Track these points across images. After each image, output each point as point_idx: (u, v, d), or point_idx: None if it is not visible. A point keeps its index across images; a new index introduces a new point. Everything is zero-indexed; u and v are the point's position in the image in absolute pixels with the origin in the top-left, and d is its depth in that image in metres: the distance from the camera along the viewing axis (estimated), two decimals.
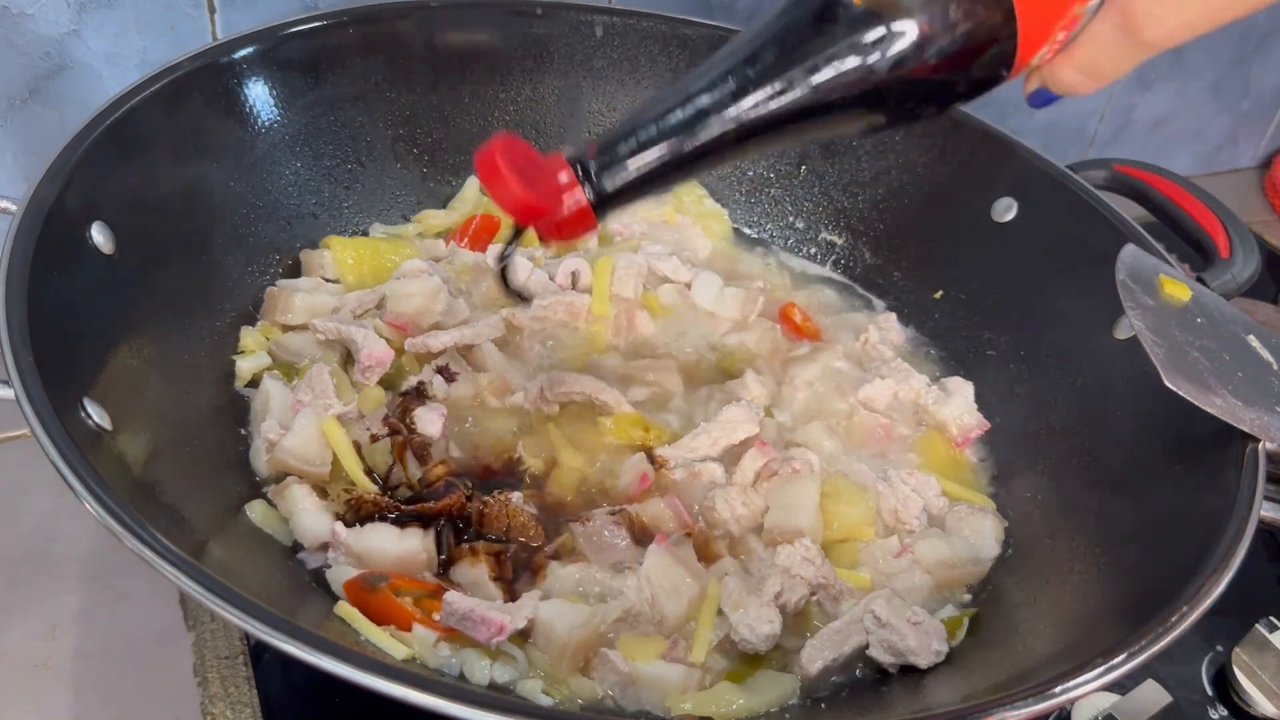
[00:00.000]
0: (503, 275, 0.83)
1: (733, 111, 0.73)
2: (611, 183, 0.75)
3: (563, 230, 0.76)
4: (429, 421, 1.04)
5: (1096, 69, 0.79)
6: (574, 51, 1.34)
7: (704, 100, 0.74)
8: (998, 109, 1.72)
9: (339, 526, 0.93)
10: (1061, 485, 1.09)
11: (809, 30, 0.73)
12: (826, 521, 1.03)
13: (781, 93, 0.73)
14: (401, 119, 1.29)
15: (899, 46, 0.72)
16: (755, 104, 0.73)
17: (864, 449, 1.15)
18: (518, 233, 0.80)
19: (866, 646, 0.93)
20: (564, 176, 0.75)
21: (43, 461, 0.72)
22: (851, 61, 0.73)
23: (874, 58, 0.73)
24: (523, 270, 1.23)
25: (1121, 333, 1.10)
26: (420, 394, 1.07)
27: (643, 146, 0.74)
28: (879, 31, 0.72)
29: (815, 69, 0.73)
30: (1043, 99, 0.84)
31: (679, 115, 0.74)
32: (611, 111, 1.38)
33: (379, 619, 0.86)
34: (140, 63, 1.22)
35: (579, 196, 0.75)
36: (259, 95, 1.16)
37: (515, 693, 0.85)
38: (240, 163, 1.14)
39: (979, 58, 0.76)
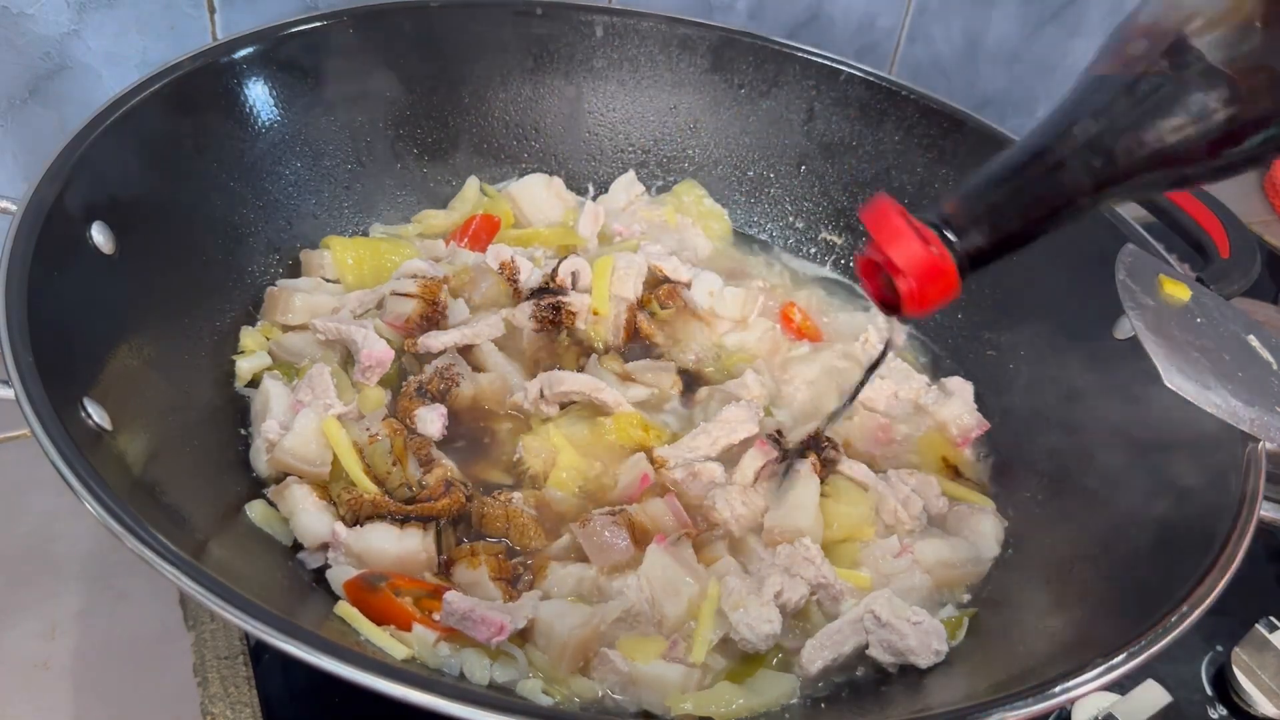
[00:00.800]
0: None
1: (1086, 171, 0.73)
2: (977, 247, 0.74)
3: (926, 299, 0.74)
4: (429, 421, 1.04)
5: None
6: (574, 51, 1.34)
7: (1059, 162, 0.73)
8: (998, 109, 1.73)
9: (339, 526, 0.93)
10: (1061, 485, 1.09)
11: (1144, 100, 0.71)
12: (826, 521, 1.03)
13: (1123, 157, 0.72)
14: (401, 119, 1.29)
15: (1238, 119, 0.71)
16: (1104, 171, 0.72)
17: (864, 449, 1.15)
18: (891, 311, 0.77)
19: (866, 646, 0.93)
20: (934, 247, 0.73)
21: (43, 461, 0.72)
22: (1204, 137, 0.71)
23: (1221, 138, 0.71)
24: (524, 270, 1.23)
25: (1121, 333, 1.10)
26: (422, 394, 1.07)
27: (1003, 208, 0.74)
28: (1229, 113, 0.70)
29: (1157, 135, 0.71)
30: None
31: (1037, 183, 0.73)
32: (611, 111, 1.38)
33: (379, 619, 0.86)
34: (140, 63, 1.22)
35: (950, 265, 0.74)
36: (259, 95, 1.16)
37: (515, 693, 0.85)
38: (240, 163, 1.14)
39: None
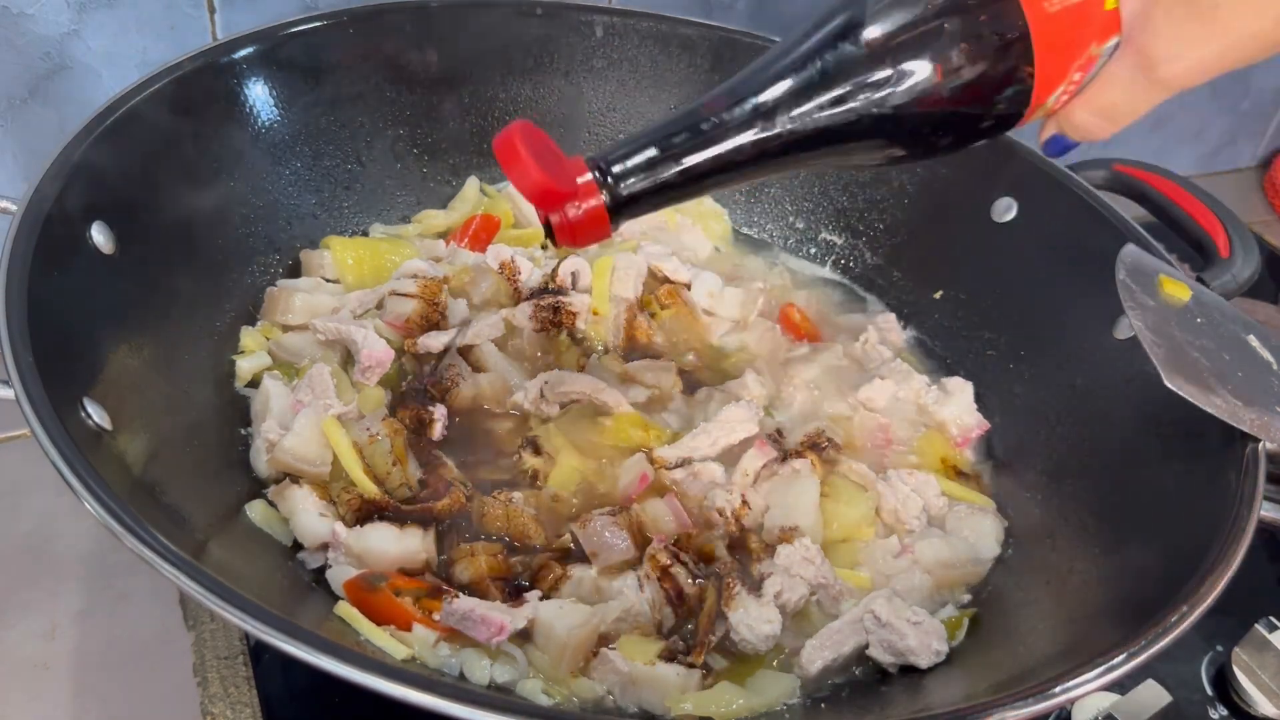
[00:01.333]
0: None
1: (749, 135, 0.74)
2: (629, 189, 0.75)
3: (576, 232, 0.76)
4: (430, 422, 1.04)
5: (1114, 111, 0.78)
6: (574, 51, 1.34)
7: (724, 119, 0.74)
8: None
9: (339, 526, 0.93)
10: (1061, 485, 1.09)
11: (825, 63, 0.74)
12: (826, 521, 1.03)
13: (794, 122, 0.74)
14: (401, 119, 1.29)
15: (910, 85, 0.73)
16: (768, 131, 0.74)
17: (864, 449, 1.15)
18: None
19: (866, 646, 0.93)
20: (583, 177, 0.75)
21: (43, 461, 0.72)
22: (863, 97, 0.73)
23: (885, 95, 0.73)
24: (524, 270, 1.23)
25: (1121, 333, 1.10)
26: (423, 394, 1.07)
27: (662, 158, 0.75)
28: (889, 70, 0.73)
29: (828, 101, 0.73)
30: (1059, 146, 0.83)
31: (698, 131, 0.75)
32: (611, 111, 1.38)
33: (379, 619, 0.86)
34: (140, 63, 1.22)
35: (596, 199, 0.75)
36: (259, 95, 1.16)
37: (515, 693, 0.85)
38: (240, 162, 1.14)
39: (995, 98, 0.76)
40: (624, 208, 0.76)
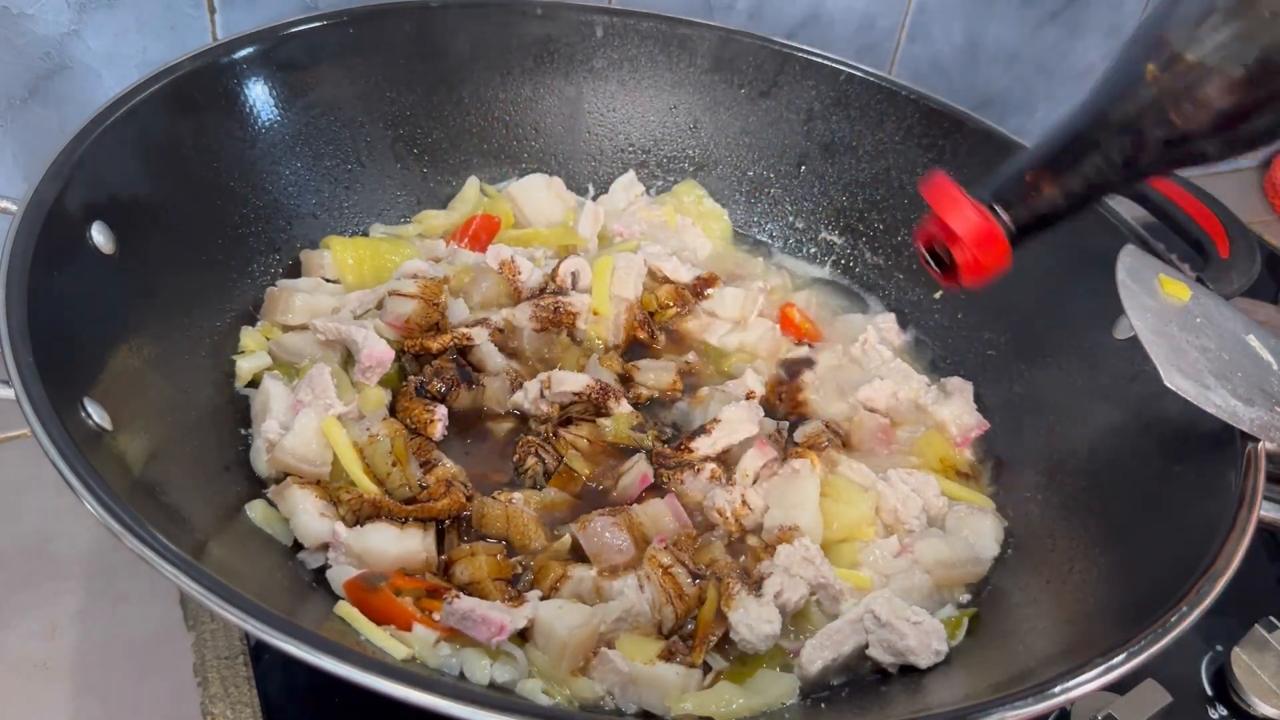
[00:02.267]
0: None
1: (1117, 151, 0.79)
2: (1025, 221, 0.81)
3: (981, 267, 0.81)
4: (430, 422, 1.04)
5: None
6: (574, 51, 1.34)
7: (1107, 144, 0.79)
8: (998, 109, 1.73)
9: (339, 526, 0.93)
10: (1061, 485, 1.09)
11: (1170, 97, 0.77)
12: (826, 521, 1.03)
13: (1169, 137, 0.78)
14: (401, 119, 1.29)
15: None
16: (1145, 150, 0.79)
17: (864, 449, 1.15)
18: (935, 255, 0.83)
19: (866, 646, 0.93)
20: (981, 214, 0.80)
21: (43, 461, 0.72)
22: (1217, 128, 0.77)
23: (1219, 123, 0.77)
24: (524, 270, 1.23)
25: (1121, 333, 1.10)
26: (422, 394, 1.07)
27: (1047, 188, 0.80)
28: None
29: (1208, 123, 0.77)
30: None
31: (1077, 162, 0.80)
32: (611, 111, 1.38)
33: (379, 619, 0.86)
34: (140, 63, 1.22)
35: (999, 234, 0.80)
36: (259, 95, 1.16)
37: (515, 693, 0.85)
38: (240, 163, 1.14)
39: None
40: (1022, 239, 0.81)
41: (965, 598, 1.04)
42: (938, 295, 1.31)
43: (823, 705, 0.91)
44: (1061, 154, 0.80)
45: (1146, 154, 0.79)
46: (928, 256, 0.84)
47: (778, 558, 0.97)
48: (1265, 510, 0.89)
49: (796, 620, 0.97)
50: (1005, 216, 0.80)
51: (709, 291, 1.28)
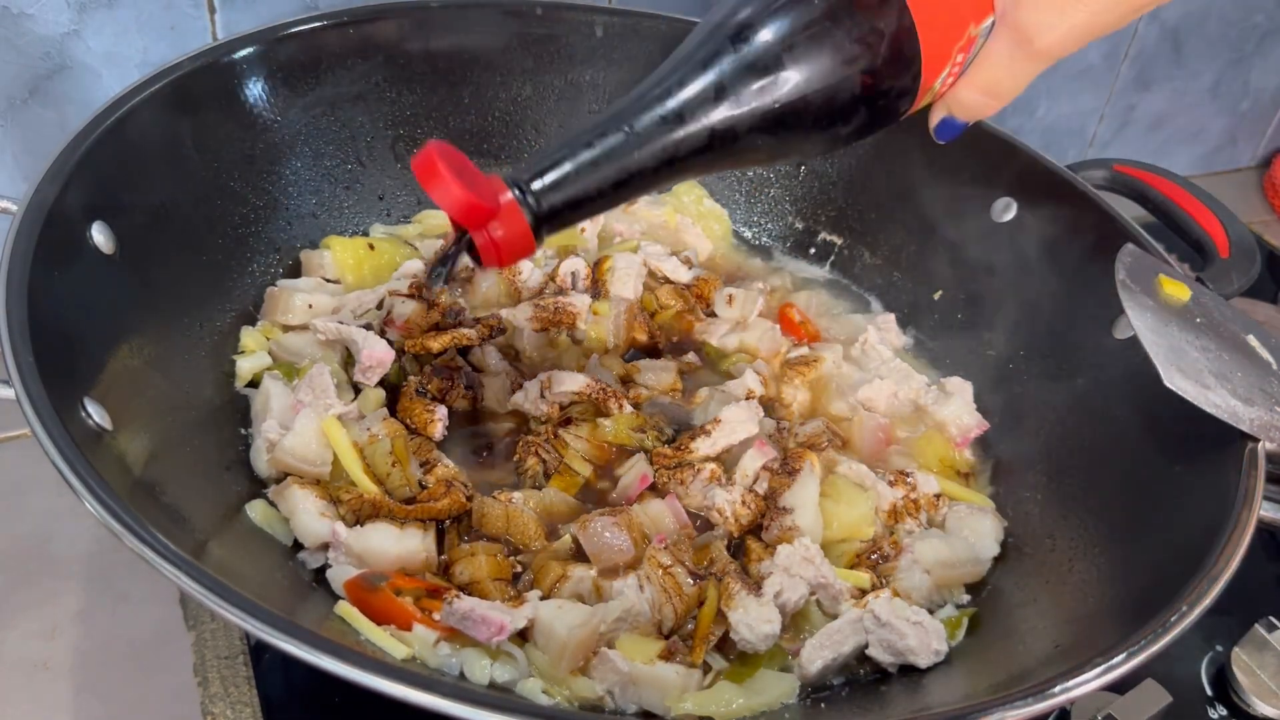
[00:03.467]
0: (432, 276, 0.81)
1: (658, 144, 0.76)
2: (549, 204, 0.76)
3: (501, 251, 0.76)
4: (430, 422, 1.04)
5: (997, 86, 0.82)
6: (574, 51, 1.34)
7: (634, 128, 0.76)
8: None
9: (339, 526, 0.93)
10: (1061, 485, 1.09)
11: (722, 67, 0.76)
12: (826, 521, 1.03)
13: (696, 126, 0.76)
14: (401, 119, 1.29)
15: (808, 80, 0.76)
16: (675, 137, 0.76)
17: (864, 449, 1.15)
18: (460, 239, 0.78)
19: (866, 646, 0.93)
20: (504, 196, 0.75)
21: (43, 461, 0.72)
22: (765, 96, 0.76)
23: (787, 92, 0.76)
24: (524, 270, 1.23)
25: (1121, 333, 1.10)
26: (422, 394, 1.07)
27: (577, 172, 0.76)
28: (789, 69, 0.76)
29: (727, 104, 0.76)
30: (949, 129, 0.87)
31: (611, 143, 0.76)
32: None
33: (379, 619, 0.86)
34: (140, 63, 1.22)
35: (519, 217, 0.75)
36: (259, 95, 1.15)
37: (515, 693, 0.85)
38: (240, 163, 1.14)
39: (886, 86, 0.79)
40: (545, 223, 0.76)
41: (965, 598, 1.04)
42: (937, 295, 1.32)
43: (823, 705, 0.91)
44: (597, 133, 0.76)
45: (689, 139, 0.75)
46: (461, 239, 0.78)
47: (778, 558, 0.97)
48: (1265, 510, 0.89)
49: (796, 620, 0.97)
50: (531, 196, 0.75)
51: (714, 294, 1.28)
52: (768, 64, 0.75)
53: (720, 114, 0.76)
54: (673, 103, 0.76)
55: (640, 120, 0.76)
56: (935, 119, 0.87)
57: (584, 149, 0.76)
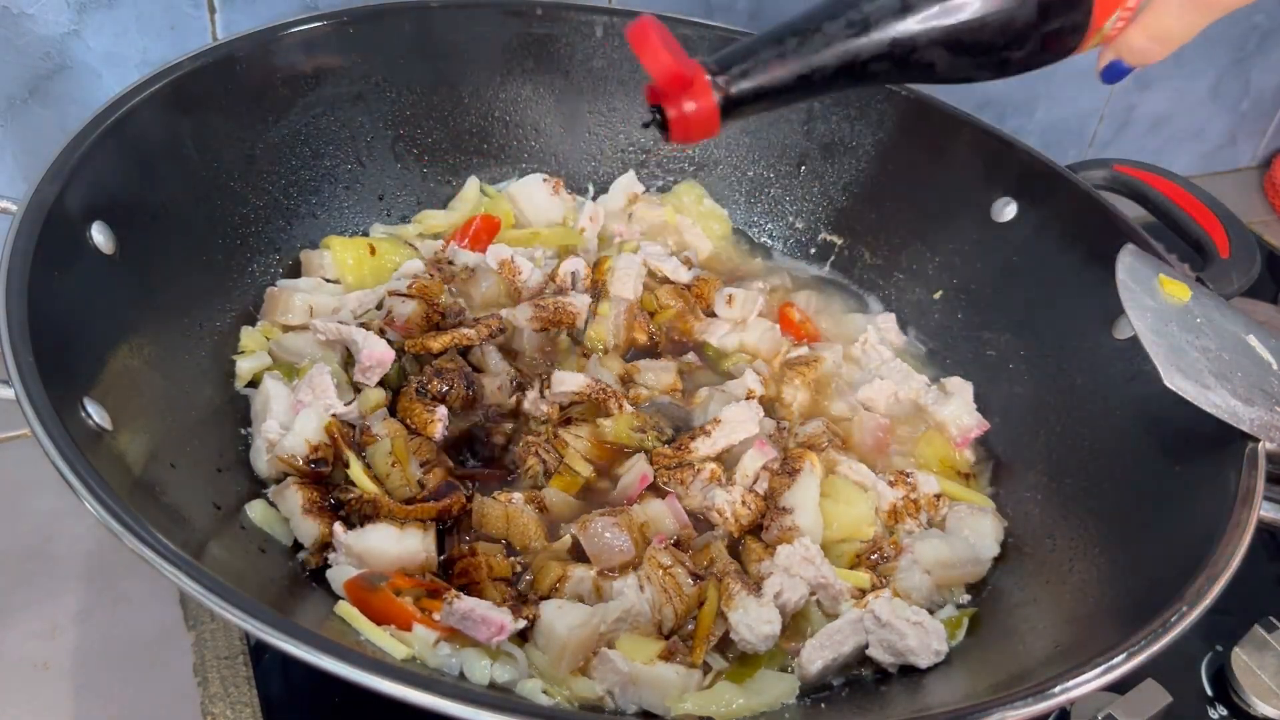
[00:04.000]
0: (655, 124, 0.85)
1: (841, 47, 0.79)
2: (739, 90, 0.80)
3: (689, 126, 0.80)
4: (430, 422, 1.04)
5: (1167, 33, 0.83)
6: (574, 51, 1.34)
7: (820, 28, 0.79)
8: (997, 109, 1.73)
9: (339, 527, 0.93)
10: (1061, 485, 1.09)
11: None
12: (826, 521, 1.03)
13: (879, 34, 0.79)
14: (401, 119, 1.29)
15: (980, 5, 0.79)
16: (859, 43, 0.79)
17: (864, 449, 1.15)
18: (654, 111, 0.83)
19: (866, 646, 0.93)
20: (700, 76, 0.79)
21: (43, 461, 0.72)
22: (941, 19, 0.79)
23: (963, 14, 0.79)
24: (524, 270, 1.23)
25: (1121, 333, 1.10)
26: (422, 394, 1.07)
27: (769, 64, 0.80)
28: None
29: (909, 19, 0.79)
30: (1116, 72, 0.88)
31: (802, 41, 0.80)
32: (611, 111, 1.38)
33: (379, 619, 0.86)
34: (140, 63, 1.22)
35: (709, 96, 0.79)
36: (259, 95, 1.16)
37: (515, 693, 0.85)
38: (240, 163, 1.14)
39: (1058, 22, 0.81)
40: (734, 108, 0.80)
41: (965, 598, 1.04)
42: (937, 295, 1.32)
43: (823, 705, 0.91)
44: (789, 33, 0.80)
45: (869, 46, 0.79)
46: (655, 114, 0.83)
47: (778, 558, 0.97)
48: (1265, 510, 0.89)
49: (796, 620, 0.97)
50: (721, 80, 0.79)
51: (714, 294, 1.28)
52: None
53: (902, 26, 0.79)
54: (859, 10, 0.79)
55: (828, 24, 0.79)
56: (1103, 62, 0.88)
57: (774, 44, 0.80)
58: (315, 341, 1.11)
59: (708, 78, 0.79)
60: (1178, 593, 0.80)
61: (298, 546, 0.95)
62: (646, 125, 0.83)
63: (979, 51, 0.81)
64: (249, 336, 1.11)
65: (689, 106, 0.79)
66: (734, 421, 1.08)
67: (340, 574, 0.91)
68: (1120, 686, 0.95)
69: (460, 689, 0.80)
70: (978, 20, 0.79)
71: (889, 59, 0.80)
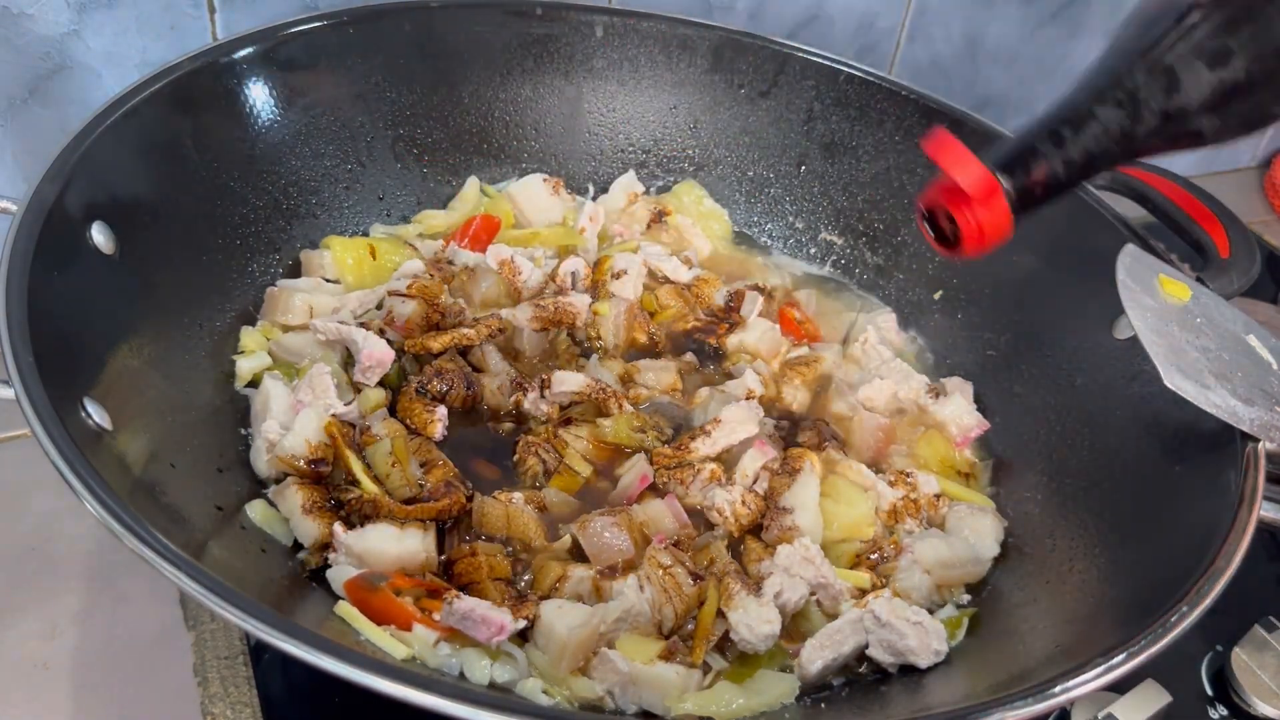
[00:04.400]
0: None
1: (1118, 129, 0.79)
2: (1026, 189, 0.79)
3: (984, 234, 0.80)
4: (430, 422, 1.04)
5: None
6: (574, 51, 1.34)
7: (1095, 114, 0.79)
8: (998, 109, 1.73)
9: (339, 527, 0.93)
10: (1061, 485, 1.09)
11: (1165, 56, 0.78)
12: (826, 521, 1.03)
13: (1151, 109, 0.79)
14: (401, 119, 1.29)
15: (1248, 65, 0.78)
16: (1137, 125, 0.79)
17: (864, 449, 1.15)
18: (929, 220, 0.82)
19: (866, 646, 0.93)
20: (988, 178, 0.79)
21: (43, 461, 0.72)
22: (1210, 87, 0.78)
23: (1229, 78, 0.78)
24: (524, 270, 1.23)
25: (1121, 333, 1.10)
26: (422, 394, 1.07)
27: (1047, 157, 0.79)
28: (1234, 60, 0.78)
29: (1178, 94, 0.78)
30: None
31: (1072, 130, 0.79)
32: (611, 111, 1.39)
33: (379, 619, 0.86)
34: (140, 63, 1.22)
35: (1002, 202, 0.79)
36: (259, 95, 1.16)
37: (515, 693, 0.85)
38: (240, 163, 1.14)
39: None
40: (1025, 209, 0.80)
41: (965, 598, 1.04)
42: (937, 295, 1.31)
43: (823, 705, 0.91)
44: (1062, 124, 0.80)
45: (1143, 124, 0.78)
46: (928, 224, 0.83)
47: (778, 558, 0.97)
48: (1265, 510, 0.89)
49: (796, 620, 0.97)
50: (1007, 184, 0.79)
51: (714, 294, 1.28)
52: (1218, 51, 0.76)
53: (1175, 100, 0.78)
54: (1123, 89, 0.78)
55: (1099, 108, 0.79)
56: None
57: (1049, 138, 0.79)
58: (315, 341, 1.11)
59: (999, 182, 0.78)
60: (1178, 593, 0.80)
61: (298, 546, 0.95)
62: (935, 241, 0.82)
63: (1244, 115, 0.80)
64: (249, 336, 1.11)
65: (982, 214, 0.78)
66: (734, 421, 1.08)
67: (340, 574, 0.91)
68: (1120, 686, 0.95)
69: (460, 689, 0.80)
70: (1245, 79, 0.77)
71: (1160, 134, 0.79)
